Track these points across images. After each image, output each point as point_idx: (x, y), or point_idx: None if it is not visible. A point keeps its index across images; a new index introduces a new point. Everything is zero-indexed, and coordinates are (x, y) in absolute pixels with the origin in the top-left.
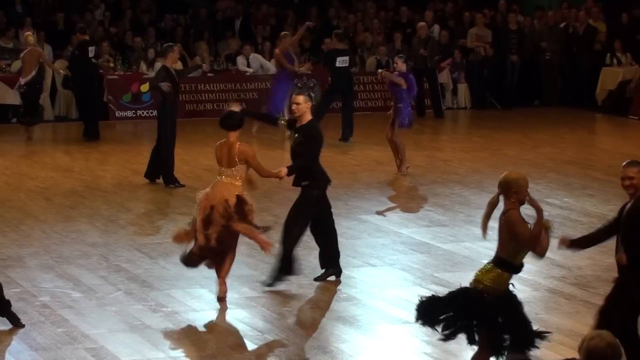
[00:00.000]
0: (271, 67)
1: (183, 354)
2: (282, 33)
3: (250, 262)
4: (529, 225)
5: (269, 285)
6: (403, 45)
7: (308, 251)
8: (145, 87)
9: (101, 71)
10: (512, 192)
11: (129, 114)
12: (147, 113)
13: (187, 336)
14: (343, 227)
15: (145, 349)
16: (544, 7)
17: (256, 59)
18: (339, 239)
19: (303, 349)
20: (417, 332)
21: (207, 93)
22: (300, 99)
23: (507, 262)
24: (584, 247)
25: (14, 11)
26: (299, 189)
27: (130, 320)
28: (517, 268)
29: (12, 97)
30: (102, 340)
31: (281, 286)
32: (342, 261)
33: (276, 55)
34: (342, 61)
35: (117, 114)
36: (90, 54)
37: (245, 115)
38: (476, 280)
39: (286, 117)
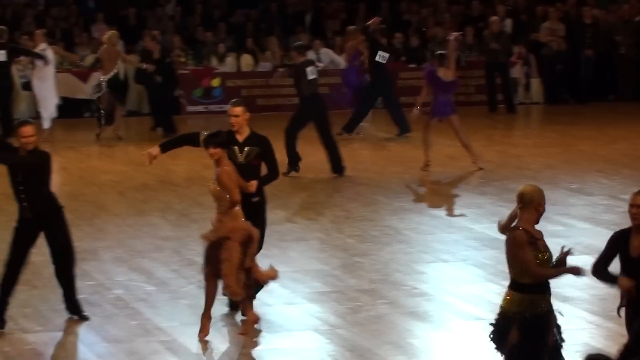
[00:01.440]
0: (342, 61)
1: (255, 348)
2: (351, 28)
3: (321, 257)
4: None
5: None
6: (474, 39)
7: (379, 247)
8: (216, 82)
9: (173, 66)
10: (536, 204)
11: (200, 108)
12: (218, 108)
13: (259, 330)
14: (414, 222)
15: (217, 342)
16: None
17: (327, 53)
18: (411, 234)
19: (375, 344)
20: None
21: (279, 88)
22: (239, 110)
23: (517, 283)
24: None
25: (86, 7)
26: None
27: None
28: (532, 287)
29: (85, 92)
30: (175, 333)
31: (352, 281)
32: (415, 257)
33: (348, 48)
34: (382, 57)
35: (188, 108)
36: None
37: (165, 149)
38: (500, 307)
39: (205, 133)
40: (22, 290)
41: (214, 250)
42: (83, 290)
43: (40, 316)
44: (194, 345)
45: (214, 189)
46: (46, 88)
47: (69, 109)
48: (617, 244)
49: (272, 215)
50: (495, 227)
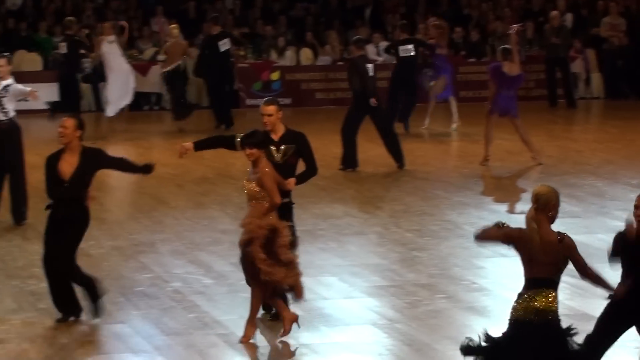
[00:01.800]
0: None
1: (313, 341)
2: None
3: (380, 251)
4: None
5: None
6: (535, 34)
7: (438, 241)
8: (275, 76)
9: (232, 59)
10: (552, 206)
11: (259, 102)
12: None
13: (317, 324)
14: (474, 217)
15: (274, 335)
16: None
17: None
18: (470, 229)
19: (433, 339)
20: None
21: (338, 81)
22: (272, 109)
23: (556, 282)
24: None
25: (146, 0)
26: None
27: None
28: None
29: (144, 85)
30: (233, 326)
31: (411, 275)
32: (474, 251)
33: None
34: (405, 50)
35: (247, 102)
36: (223, 48)
37: (198, 147)
38: (544, 311)
39: (240, 134)
40: None
41: (244, 257)
42: (141, 282)
43: None
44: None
45: (251, 189)
46: (114, 78)
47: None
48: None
49: (330, 209)
50: (555, 222)
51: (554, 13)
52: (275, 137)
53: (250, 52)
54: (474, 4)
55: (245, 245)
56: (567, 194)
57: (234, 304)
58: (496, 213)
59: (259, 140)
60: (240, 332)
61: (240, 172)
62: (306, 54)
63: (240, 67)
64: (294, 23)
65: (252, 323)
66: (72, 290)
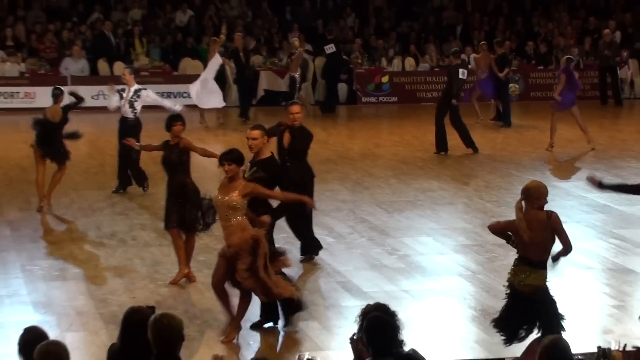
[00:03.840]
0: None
1: (411, 288)
2: (482, 43)
3: (466, 217)
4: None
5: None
6: (591, 47)
7: (512, 210)
8: (385, 79)
9: (351, 66)
10: (534, 198)
11: (372, 99)
12: (387, 99)
13: (415, 273)
14: None
15: (382, 283)
16: None
17: (474, 58)
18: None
19: None
20: (599, 276)
21: (435, 84)
22: (257, 133)
23: (543, 262)
24: (612, 191)
25: (284, 19)
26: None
27: (371, 260)
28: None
29: (281, 85)
30: (350, 275)
31: (490, 237)
32: None
33: (491, 60)
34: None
35: (362, 99)
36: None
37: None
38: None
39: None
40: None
41: (229, 265)
42: (277, 240)
43: None
44: (364, 285)
45: (231, 200)
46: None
47: (270, 99)
48: None
49: (428, 184)
50: (604, 196)
51: (607, 31)
52: (255, 158)
53: (366, 60)
54: (542, 23)
55: (233, 258)
56: (615, 173)
57: (350, 258)
58: (558, 188)
59: (235, 156)
60: (355, 280)
61: (356, 154)
62: (410, 62)
63: (357, 72)
64: (401, 37)
65: (236, 325)
66: None
